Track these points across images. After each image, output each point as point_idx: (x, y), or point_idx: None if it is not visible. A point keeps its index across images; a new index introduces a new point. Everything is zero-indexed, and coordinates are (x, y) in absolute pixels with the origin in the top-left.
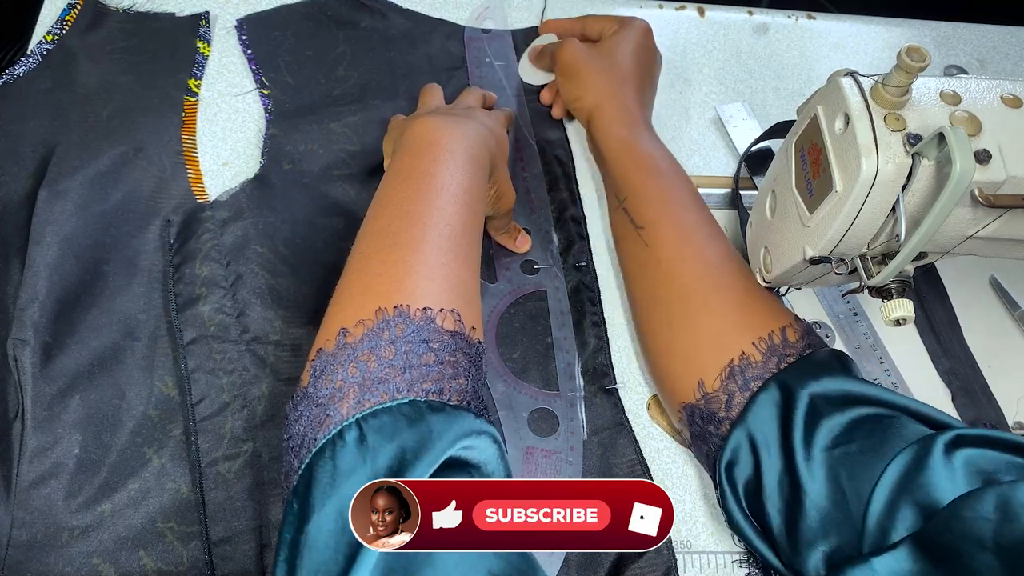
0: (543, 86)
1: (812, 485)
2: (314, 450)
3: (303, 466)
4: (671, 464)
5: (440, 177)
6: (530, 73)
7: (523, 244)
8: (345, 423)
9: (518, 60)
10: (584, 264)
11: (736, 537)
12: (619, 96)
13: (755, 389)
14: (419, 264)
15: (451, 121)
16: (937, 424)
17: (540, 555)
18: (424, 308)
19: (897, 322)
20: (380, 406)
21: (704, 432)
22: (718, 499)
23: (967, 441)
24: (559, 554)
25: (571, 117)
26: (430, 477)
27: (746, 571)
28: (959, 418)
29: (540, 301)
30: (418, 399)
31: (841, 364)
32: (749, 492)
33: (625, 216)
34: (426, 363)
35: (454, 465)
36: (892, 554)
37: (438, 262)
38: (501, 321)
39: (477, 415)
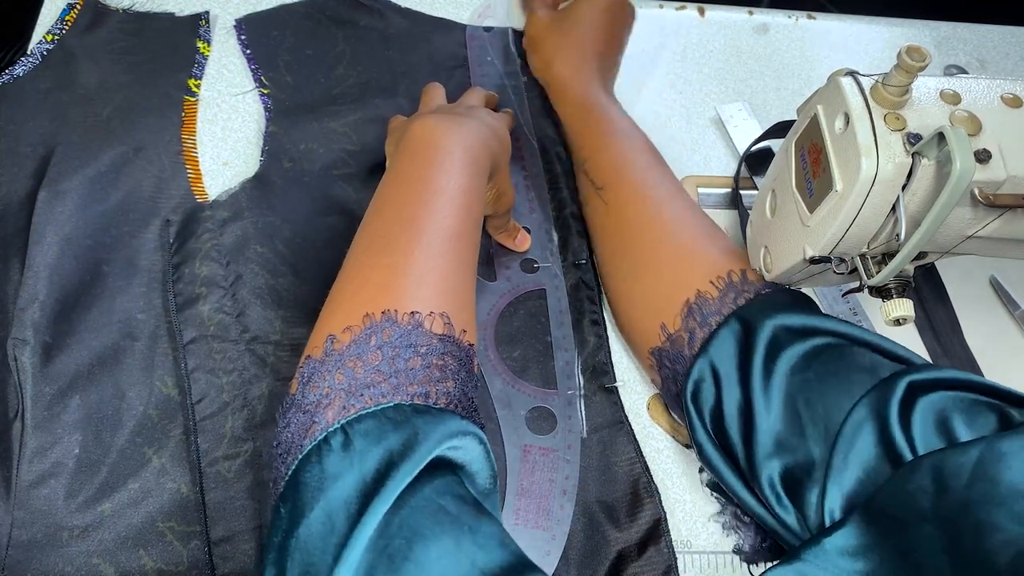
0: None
1: (769, 410)
2: (300, 456)
3: (290, 472)
4: (671, 464)
5: (438, 179)
6: (518, 20)
7: (523, 243)
8: (331, 429)
9: (520, 60)
10: (584, 262)
11: (707, 469)
12: (578, 62)
13: (715, 325)
14: (410, 268)
15: (451, 121)
16: (894, 357)
17: (536, 555)
18: (412, 312)
19: (897, 322)
20: (365, 411)
21: (672, 373)
22: (688, 431)
23: (922, 387)
24: (556, 551)
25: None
26: (416, 477)
27: (722, 509)
28: None
29: (540, 300)
30: (403, 403)
31: (803, 302)
32: (714, 422)
33: (586, 178)
34: (412, 367)
35: (440, 465)
36: (841, 532)
37: (429, 266)
38: (501, 320)
39: (463, 417)
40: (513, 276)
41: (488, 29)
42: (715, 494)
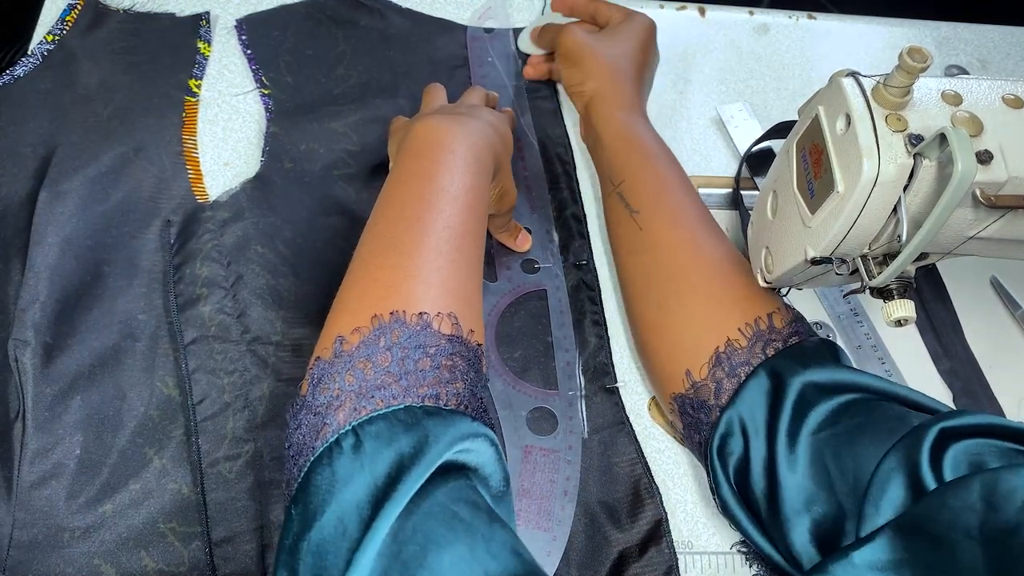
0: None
1: (796, 467)
2: (312, 458)
3: (302, 474)
4: (672, 464)
5: (441, 178)
6: (529, 47)
7: (523, 243)
8: (342, 431)
9: (521, 61)
10: (584, 262)
11: (731, 524)
12: (619, 83)
13: (743, 376)
14: (416, 268)
15: (454, 121)
16: (924, 409)
17: (537, 555)
18: (420, 313)
19: (898, 323)
20: (376, 413)
21: (695, 421)
22: (710, 486)
23: (953, 434)
24: (557, 551)
25: (546, 80)
26: (428, 480)
27: (750, 566)
28: None
29: (541, 300)
30: (414, 404)
31: (831, 353)
32: (739, 475)
33: (620, 201)
34: (422, 368)
35: (451, 468)
36: (871, 545)
37: (436, 265)
38: (502, 320)
39: (474, 418)
40: (514, 276)
41: (489, 30)
42: (743, 549)
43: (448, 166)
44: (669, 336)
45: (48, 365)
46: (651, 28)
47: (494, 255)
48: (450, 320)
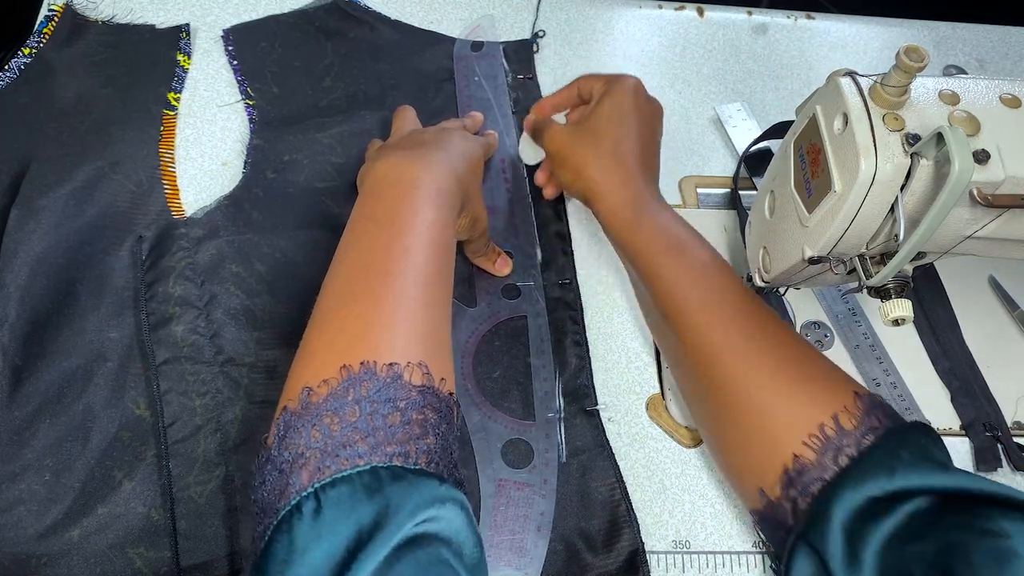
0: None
1: None
2: (275, 521)
3: (264, 538)
4: (670, 464)
5: (403, 217)
6: (531, 154)
7: (503, 267)
8: (303, 494)
9: (507, 77)
10: (568, 281)
11: None
12: (615, 173)
13: (816, 492)
14: (384, 315)
15: (415, 155)
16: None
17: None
18: (391, 364)
19: (896, 322)
20: (340, 474)
21: (773, 535)
22: None
23: None
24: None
25: (567, 196)
26: (389, 554)
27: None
28: (958, 418)
29: (522, 320)
30: (379, 465)
31: (915, 442)
32: None
33: (652, 306)
34: (391, 424)
35: (418, 542)
36: None
37: (404, 311)
38: (481, 339)
39: (443, 479)
40: (494, 302)
41: (477, 48)
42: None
43: (411, 204)
44: (734, 453)
45: (17, 388)
46: (633, 90)
47: (475, 279)
48: (421, 370)
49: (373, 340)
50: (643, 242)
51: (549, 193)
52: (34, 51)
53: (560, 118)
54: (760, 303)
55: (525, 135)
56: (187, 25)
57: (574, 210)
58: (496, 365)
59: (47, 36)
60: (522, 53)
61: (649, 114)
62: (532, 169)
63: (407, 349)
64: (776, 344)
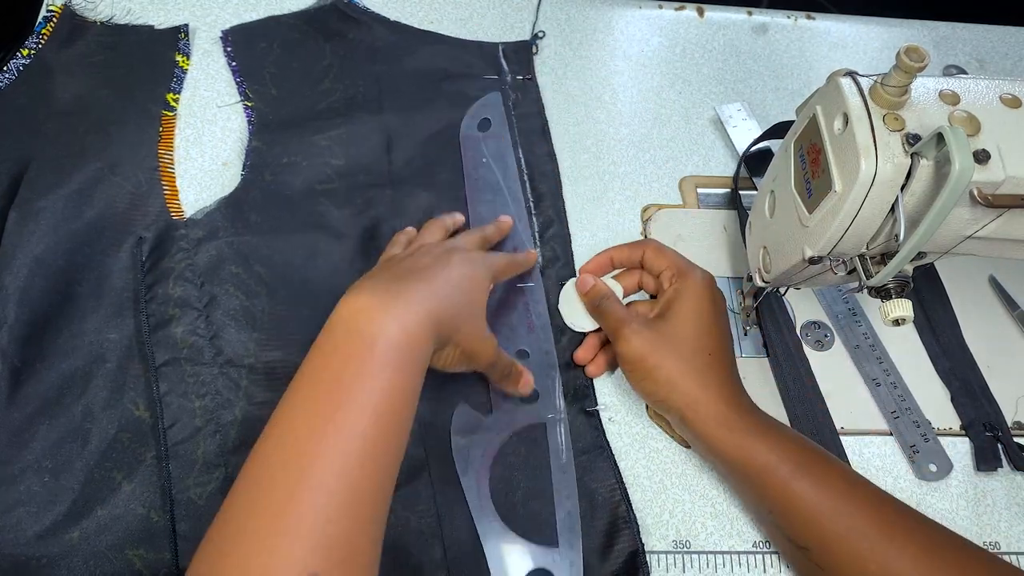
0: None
1: None
2: None
3: None
4: (671, 464)
5: (347, 384)
6: (576, 319)
7: (525, 387)
8: None
9: (517, 153)
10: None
11: None
12: (707, 386)
13: None
14: (288, 518)
15: (388, 296)
16: None
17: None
18: None
19: (896, 322)
20: None
21: None
22: None
23: None
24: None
25: (613, 369)
26: None
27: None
28: (959, 418)
29: (541, 428)
30: None
31: None
32: None
33: (779, 533)
34: None
35: None
36: None
37: (311, 517)
38: (498, 452)
39: None
40: (511, 409)
41: (484, 127)
42: None
43: (360, 367)
44: None
45: (16, 389)
46: (711, 287)
47: (491, 386)
48: None
49: (272, 543)
50: (761, 460)
51: (593, 372)
52: (33, 52)
53: (609, 280)
54: (895, 504)
55: (567, 291)
56: (186, 26)
57: (572, 211)
58: (514, 473)
59: (46, 37)
60: (521, 54)
61: (724, 310)
62: (565, 327)
63: (304, 560)
64: (928, 546)
